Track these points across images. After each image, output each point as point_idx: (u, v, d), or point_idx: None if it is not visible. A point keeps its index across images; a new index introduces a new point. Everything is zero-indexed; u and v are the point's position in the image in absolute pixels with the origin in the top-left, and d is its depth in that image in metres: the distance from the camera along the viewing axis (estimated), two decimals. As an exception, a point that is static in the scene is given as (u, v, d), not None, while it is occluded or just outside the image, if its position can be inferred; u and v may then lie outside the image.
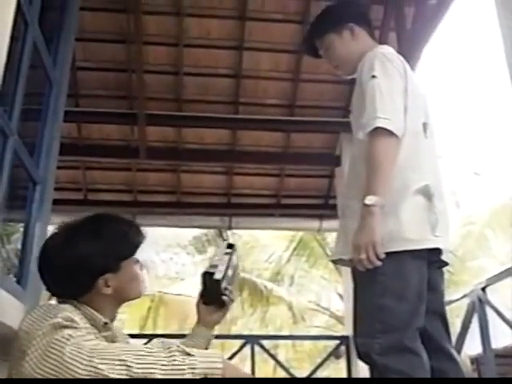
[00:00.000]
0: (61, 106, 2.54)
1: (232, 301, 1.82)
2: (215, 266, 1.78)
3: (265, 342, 5.97)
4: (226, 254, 1.84)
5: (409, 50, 4.72)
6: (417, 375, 1.81)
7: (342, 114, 6.16)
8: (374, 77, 2.00)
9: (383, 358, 1.84)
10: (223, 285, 1.77)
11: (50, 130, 2.41)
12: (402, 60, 2.14)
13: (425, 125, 2.14)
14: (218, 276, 1.76)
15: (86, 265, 1.53)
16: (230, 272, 1.81)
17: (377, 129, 1.90)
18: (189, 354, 1.31)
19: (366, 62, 2.09)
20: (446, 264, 2.13)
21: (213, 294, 1.78)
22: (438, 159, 2.22)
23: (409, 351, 1.84)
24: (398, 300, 1.90)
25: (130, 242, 1.65)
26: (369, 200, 1.84)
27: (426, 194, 1.98)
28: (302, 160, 6.54)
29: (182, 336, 1.84)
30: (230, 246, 1.89)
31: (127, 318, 11.75)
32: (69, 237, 1.58)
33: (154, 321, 11.77)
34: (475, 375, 9.63)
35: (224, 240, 12.95)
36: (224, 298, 1.78)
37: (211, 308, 1.81)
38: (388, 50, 2.17)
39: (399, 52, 4.75)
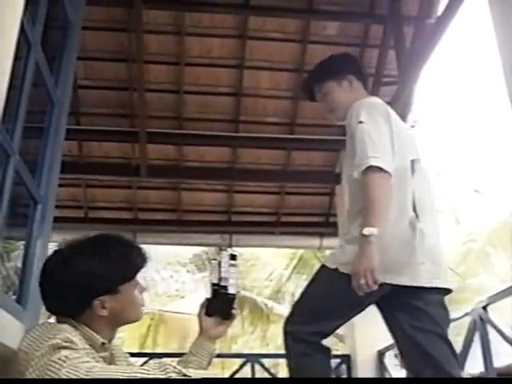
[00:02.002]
0: (62, 125, 2.55)
1: (235, 315, 1.84)
2: (226, 279, 1.76)
3: (265, 361, 5.94)
4: (232, 265, 1.80)
5: (408, 69, 4.76)
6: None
7: (341, 132, 6.10)
8: (360, 122, 2.23)
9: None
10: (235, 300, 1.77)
11: (52, 149, 2.41)
12: (386, 107, 2.41)
13: (413, 161, 2.33)
14: (232, 291, 1.76)
15: (83, 284, 1.52)
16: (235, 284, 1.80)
17: (370, 167, 2.10)
18: (185, 375, 1.30)
19: (354, 110, 2.33)
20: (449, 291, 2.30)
21: (222, 307, 1.78)
22: (429, 193, 2.40)
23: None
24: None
25: (132, 264, 1.63)
26: (367, 231, 2.01)
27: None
28: (302, 178, 6.55)
29: (182, 355, 1.82)
30: (233, 256, 1.84)
31: (127, 336, 11.69)
32: (70, 254, 1.58)
33: (154, 339, 11.71)
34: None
35: (223, 250, 12.91)
36: (233, 311, 1.80)
37: (215, 320, 1.80)
38: (374, 100, 2.47)
39: (399, 70, 4.79)
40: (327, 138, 6.14)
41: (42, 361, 1.31)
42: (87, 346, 1.51)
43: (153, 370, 1.29)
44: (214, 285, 1.76)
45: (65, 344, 1.35)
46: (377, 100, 2.48)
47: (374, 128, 2.21)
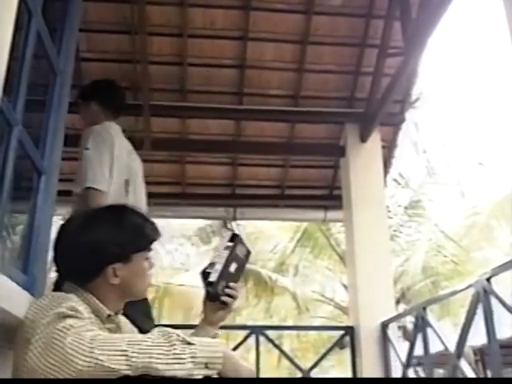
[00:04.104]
0: (65, 96, 2.53)
1: (234, 298, 1.77)
2: (213, 265, 1.72)
3: (269, 333, 5.98)
4: (227, 248, 1.76)
5: (414, 40, 4.70)
6: None
7: (346, 105, 6.14)
8: (87, 149, 2.85)
9: None
10: (220, 286, 1.71)
11: (55, 121, 2.41)
12: (112, 135, 2.99)
13: (127, 181, 2.94)
14: (212, 278, 1.70)
15: (99, 249, 1.55)
16: (232, 268, 1.75)
17: (88, 188, 2.73)
18: (189, 343, 1.31)
19: (85, 135, 2.96)
20: None
21: (211, 295, 1.74)
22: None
23: None
24: None
25: (146, 236, 1.67)
26: None
27: None
28: (306, 150, 6.52)
29: (187, 326, 1.83)
30: (234, 236, 1.80)
31: (132, 308, 11.77)
32: (87, 221, 1.62)
33: (159, 311, 11.82)
34: (479, 366, 9.66)
35: (228, 229, 12.93)
36: (223, 298, 1.73)
37: (216, 305, 1.77)
38: (104, 127, 3.03)
39: (405, 41, 4.74)
40: (332, 110, 6.11)
41: (48, 329, 1.32)
42: (93, 316, 1.52)
43: (157, 338, 1.30)
44: (202, 272, 1.74)
45: (70, 313, 1.36)
46: (106, 128, 3.04)
47: (95, 155, 2.81)
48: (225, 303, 1.75)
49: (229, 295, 1.74)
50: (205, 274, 1.73)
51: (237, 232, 1.86)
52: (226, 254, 1.74)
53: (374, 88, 5.73)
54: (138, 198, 3.04)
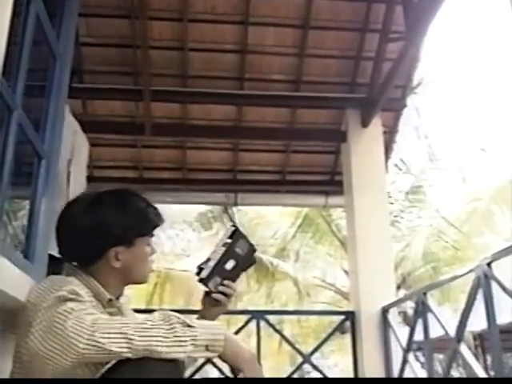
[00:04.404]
0: (65, 80, 2.52)
1: (228, 296, 1.73)
2: (207, 261, 1.70)
3: (270, 318, 5.99)
4: (225, 244, 1.72)
5: (415, 25, 4.66)
6: None
7: (347, 90, 6.11)
8: None
9: None
10: (212, 283, 1.69)
11: (55, 105, 2.40)
12: None
13: (69, 160, 2.86)
14: (203, 275, 1.69)
15: (102, 231, 1.55)
16: (229, 265, 1.72)
17: None
18: (190, 326, 1.31)
19: None
20: None
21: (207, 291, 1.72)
22: None
23: None
24: None
25: (149, 220, 1.67)
26: None
27: None
28: (307, 136, 6.50)
29: (188, 311, 1.82)
30: (235, 233, 1.76)
31: (133, 293, 11.85)
32: (92, 203, 1.62)
33: (160, 296, 11.87)
34: (478, 351, 9.71)
35: (232, 225, 12.86)
36: (214, 296, 1.71)
37: (211, 301, 1.75)
38: None
39: (406, 26, 4.70)
40: (333, 95, 6.08)
41: (49, 312, 1.32)
42: (94, 300, 1.53)
43: (158, 321, 1.30)
44: (197, 267, 1.73)
45: (71, 296, 1.37)
46: None
47: None
48: (218, 300, 1.72)
49: (222, 293, 1.71)
50: (199, 269, 1.71)
51: (240, 228, 1.82)
52: (222, 250, 1.72)
53: (375, 73, 5.70)
54: (78, 181, 2.94)
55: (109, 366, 1.28)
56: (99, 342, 1.23)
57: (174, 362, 1.28)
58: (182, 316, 1.33)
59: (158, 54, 5.68)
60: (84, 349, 1.23)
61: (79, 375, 1.29)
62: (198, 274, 1.71)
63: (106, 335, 1.24)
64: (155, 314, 1.34)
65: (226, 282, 1.72)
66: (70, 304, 1.33)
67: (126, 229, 1.59)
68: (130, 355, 1.24)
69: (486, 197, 12.59)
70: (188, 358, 1.33)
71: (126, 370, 1.25)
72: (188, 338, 1.29)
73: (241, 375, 1.39)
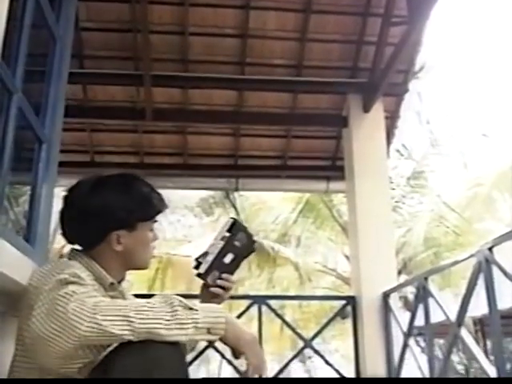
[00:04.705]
0: (65, 64, 2.51)
1: (227, 290, 1.71)
2: (205, 255, 1.69)
3: (272, 303, 6.01)
4: (223, 238, 1.70)
5: (418, 8, 4.63)
6: None
7: (349, 75, 6.09)
8: None
9: None
10: (210, 278, 1.68)
11: (55, 89, 2.39)
12: None
13: None
14: (201, 270, 1.68)
15: (105, 213, 1.56)
16: (227, 258, 1.71)
17: None
18: (192, 309, 1.31)
19: None
20: None
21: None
22: None
23: None
24: None
25: (153, 206, 1.67)
26: None
27: None
28: (309, 121, 6.48)
29: (190, 296, 1.81)
30: (234, 225, 1.73)
31: (135, 279, 11.89)
32: (96, 185, 1.62)
33: (162, 282, 11.91)
34: (478, 336, 9.75)
35: (233, 207, 12.92)
36: (213, 289, 1.69)
37: (209, 293, 1.73)
38: None
39: (409, 10, 4.67)
40: (335, 80, 6.06)
41: (51, 295, 1.32)
42: (96, 283, 1.53)
43: (159, 304, 1.30)
44: (195, 259, 1.72)
45: (72, 279, 1.37)
46: None
47: None
48: (216, 294, 1.71)
49: (221, 286, 1.70)
50: (196, 263, 1.70)
51: (238, 220, 1.79)
52: (220, 244, 1.71)
53: (377, 58, 5.67)
54: None
55: (111, 348, 1.28)
56: (101, 325, 1.23)
57: (175, 344, 1.28)
58: (183, 299, 1.33)
59: (159, 38, 5.65)
60: (86, 331, 1.23)
61: (81, 357, 1.29)
62: (197, 267, 1.70)
63: (108, 318, 1.24)
64: (157, 297, 1.34)
65: (224, 275, 1.71)
66: (72, 287, 1.33)
67: (128, 212, 1.59)
68: (131, 338, 1.24)
69: (487, 182, 12.57)
70: (190, 340, 1.33)
71: (128, 352, 1.25)
72: (190, 321, 1.29)
73: (242, 358, 1.40)
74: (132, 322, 1.25)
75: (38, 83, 2.40)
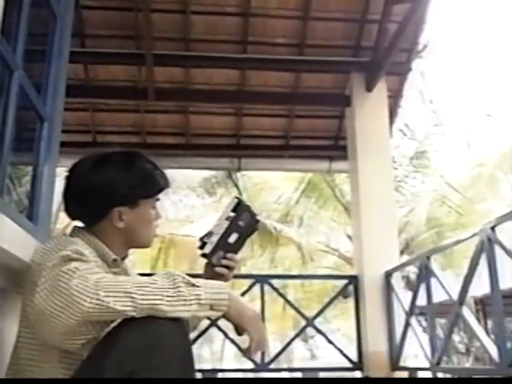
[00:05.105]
0: (66, 42, 2.49)
1: (231, 269, 1.71)
2: (210, 235, 1.69)
3: (274, 282, 6.04)
4: (228, 218, 1.70)
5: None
6: None
7: (352, 53, 6.05)
8: None
9: None
10: (215, 258, 1.68)
11: (56, 67, 2.37)
12: None
13: None
14: (206, 250, 1.68)
15: (107, 189, 1.56)
16: (232, 238, 1.71)
17: None
18: (194, 285, 1.31)
19: None
20: None
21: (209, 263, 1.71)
22: None
23: None
24: None
25: (155, 183, 1.66)
26: None
27: None
28: (311, 100, 6.45)
29: (192, 276, 1.80)
30: (238, 205, 1.73)
31: (138, 258, 11.94)
32: (98, 161, 1.62)
33: (165, 261, 11.95)
34: (479, 315, 9.79)
35: (236, 187, 12.91)
36: (218, 269, 1.69)
37: (213, 273, 1.71)
38: None
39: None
40: (338, 59, 6.02)
41: (54, 271, 1.33)
42: (98, 260, 1.53)
43: (162, 280, 1.30)
44: (200, 239, 1.72)
45: (75, 256, 1.37)
46: None
47: None
48: (221, 274, 1.70)
49: (226, 266, 1.70)
50: (201, 243, 1.71)
51: (243, 200, 1.79)
52: (225, 224, 1.70)
53: (380, 36, 5.62)
54: None
55: (114, 324, 1.29)
56: (103, 301, 1.24)
57: (178, 321, 1.29)
58: (186, 276, 1.34)
59: (160, 17, 5.60)
60: (89, 307, 1.23)
61: (84, 333, 1.29)
62: (201, 247, 1.70)
63: (111, 294, 1.25)
64: (160, 273, 1.34)
65: (228, 255, 1.72)
66: (75, 263, 1.34)
67: (130, 189, 1.58)
68: (134, 314, 1.25)
69: (490, 162, 12.53)
70: (192, 317, 1.34)
71: (131, 328, 1.25)
72: (192, 297, 1.29)
73: (245, 335, 1.40)
74: (134, 298, 1.25)
75: (39, 62, 2.38)
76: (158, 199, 1.70)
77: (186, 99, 6.44)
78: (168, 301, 1.27)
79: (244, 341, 1.43)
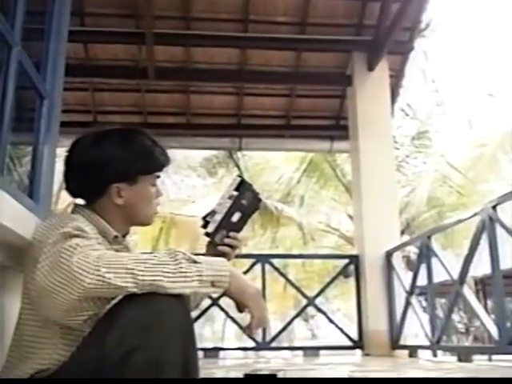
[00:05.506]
0: (65, 20, 2.46)
1: (234, 248, 1.70)
2: (213, 214, 1.67)
3: (275, 262, 6.06)
4: (231, 197, 1.68)
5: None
6: None
7: (354, 32, 6.00)
8: None
9: None
10: (218, 237, 1.67)
11: (55, 46, 2.34)
12: None
13: None
14: (209, 229, 1.66)
15: (105, 165, 1.54)
16: (235, 217, 1.69)
17: None
18: (195, 262, 1.31)
19: None
20: None
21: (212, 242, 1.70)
22: None
23: None
24: None
25: (155, 159, 1.64)
26: None
27: None
28: (313, 80, 6.43)
29: (195, 255, 1.80)
30: (241, 184, 1.71)
31: (139, 238, 11.97)
32: (98, 138, 1.60)
33: (166, 241, 11.98)
34: (479, 295, 9.83)
35: (237, 168, 12.87)
36: (221, 248, 1.68)
37: (216, 252, 1.68)
38: None
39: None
40: (339, 38, 5.98)
41: (55, 248, 1.33)
42: (99, 237, 1.53)
43: (163, 257, 1.30)
44: (202, 218, 1.71)
45: (76, 232, 1.37)
46: None
47: None
48: (224, 253, 1.69)
49: (228, 245, 1.69)
50: (204, 222, 1.70)
51: (245, 178, 1.78)
52: (228, 203, 1.68)
53: (382, 14, 5.57)
54: None
55: (115, 301, 1.29)
56: (105, 277, 1.23)
57: (179, 297, 1.29)
58: (187, 252, 1.33)
59: (160, -6, 5.55)
60: (90, 283, 1.23)
61: (86, 309, 1.29)
62: (204, 227, 1.70)
63: (112, 270, 1.25)
64: (161, 250, 1.34)
65: (231, 234, 1.71)
66: (76, 240, 1.33)
67: (128, 165, 1.57)
68: (135, 290, 1.24)
69: (492, 143, 12.48)
70: (194, 294, 1.33)
71: (132, 305, 1.25)
72: (194, 274, 1.29)
73: (246, 311, 1.40)
74: (136, 274, 1.25)
75: (38, 41, 2.36)
76: (158, 176, 1.68)
77: (186, 78, 6.42)
78: (169, 277, 1.26)
79: (245, 317, 1.43)
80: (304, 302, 5.97)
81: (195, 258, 1.32)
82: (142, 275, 1.25)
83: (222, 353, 5.98)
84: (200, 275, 1.30)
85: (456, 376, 2.53)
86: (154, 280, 1.25)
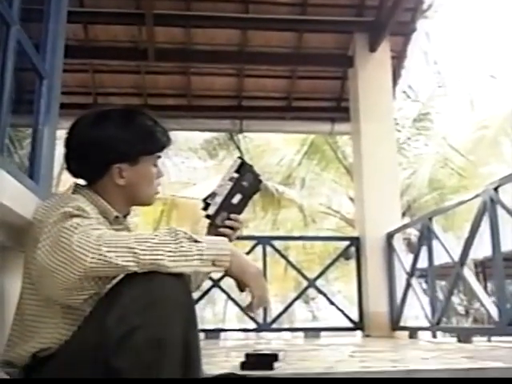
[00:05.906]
0: (64, 0, 2.44)
1: (235, 230, 1.70)
2: (214, 196, 1.68)
3: (276, 243, 6.07)
4: (232, 179, 1.68)
5: None
6: None
7: (355, 13, 5.96)
8: None
9: None
10: (219, 219, 1.67)
11: (54, 26, 2.32)
12: None
13: None
14: (210, 211, 1.67)
15: (106, 145, 1.54)
16: (235, 199, 1.69)
17: None
18: (196, 241, 1.31)
19: None
20: None
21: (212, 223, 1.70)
22: None
23: None
24: None
25: (156, 139, 1.64)
26: None
27: None
28: (314, 61, 6.40)
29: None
30: (242, 166, 1.71)
31: (141, 220, 11.98)
32: (98, 118, 1.60)
33: (167, 223, 11.99)
34: (480, 278, 9.86)
35: (238, 150, 12.83)
36: (221, 230, 1.68)
37: (219, 234, 1.67)
38: None
39: None
40: (341, 19, 5.94)
41: (55, 227, 1.32)
42: (100, 217, 1.53)
43: (164, 236, 1.30)
44: (203, 200, 1.71)
45: (76, 212, 1.36)
46: None
47: None
48: (225, 234, 1.67)
49: (229, 227, 1.69)
50: (205, 204, 1.70)
51: (246, 160, 1.77)
52: (229, 185, 1.69)
53: (384, -6, 5.53)
54: None
55: (116, 280, 1.29)
56: (105, 256, 1.23)
57: (181, 277, 1.29)
58: (188, 231, 1.33)
59: (160, -25, 5.50)
60: (91, 262, 1.23)
61: (87, 289, 1.30)
62: (205, 209, 1.70)
63: (113, 249, 1.24)
64: (162, 229, 1.34)
65: (232, 215, 1.71)
66: (76, 219, 1.33)
67: (130, 145, 1.57)
68: (136, 269, 1.24)
69: (493, 125, 12.43)
70: (195, 273, 1.33)
71: (133, 284, 1.25)
72: (195, 253, 1.29)
73: (247, 291, 1.40)
74: (136, 253, 1.25)
75: (37, 22, 2.34)
76: (159, 157, 1.68)
77: (186, 60, 6.39)
78: (170, 256, 1.26)
79: (246, 297, 1.43)
80: (305, 283, 5.99)
81: (196, 237, 1.32)
82: (143, 254, 1.25)
83: (223, 334, 6.01)
84: (201, 254, 1.30)
85: (459, 366, 2.54)
86: (155, 259, 1.25)
